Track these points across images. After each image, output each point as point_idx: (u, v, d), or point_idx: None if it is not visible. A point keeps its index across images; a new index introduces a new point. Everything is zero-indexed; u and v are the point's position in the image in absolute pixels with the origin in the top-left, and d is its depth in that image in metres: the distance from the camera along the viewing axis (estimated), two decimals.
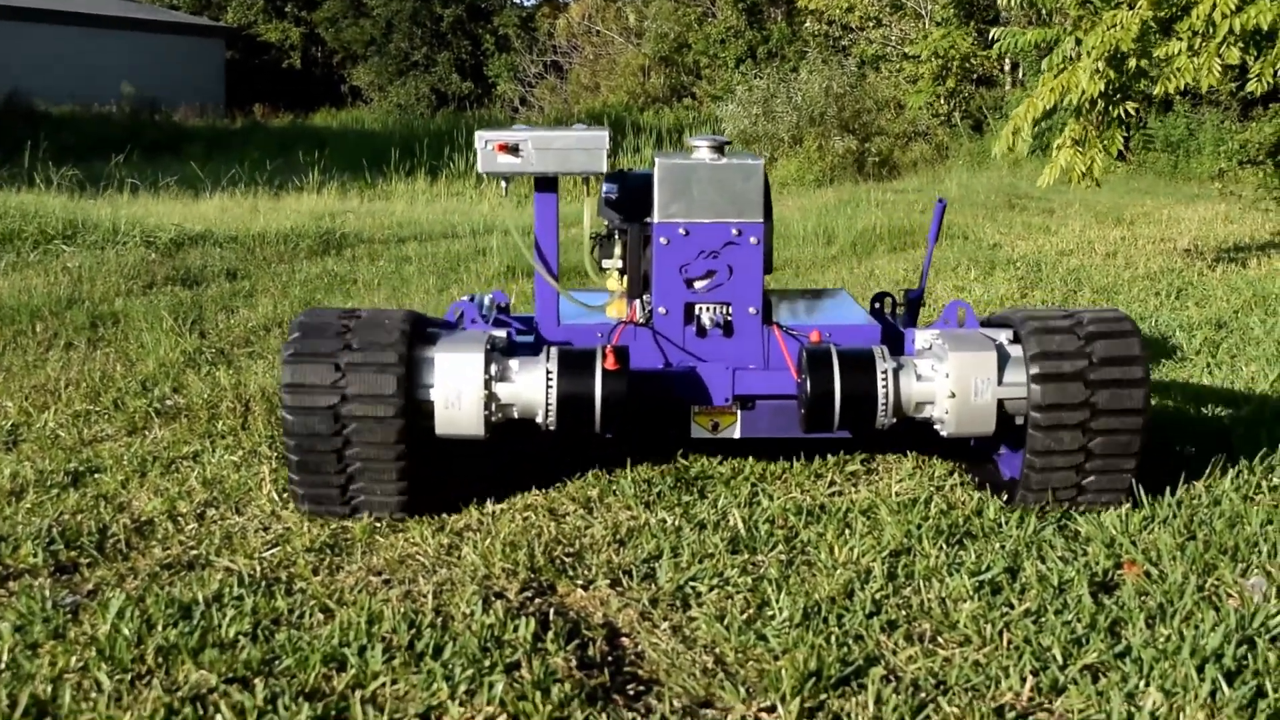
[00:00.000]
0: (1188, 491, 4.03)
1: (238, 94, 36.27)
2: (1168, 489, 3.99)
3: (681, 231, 4.08)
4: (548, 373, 3.78)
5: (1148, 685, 2.75)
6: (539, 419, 3.82)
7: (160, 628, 3.01)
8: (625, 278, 4.40)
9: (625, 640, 3.05)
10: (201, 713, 2.62)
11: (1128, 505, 3.88)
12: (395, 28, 37.86)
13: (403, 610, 3.13)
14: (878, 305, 4.80)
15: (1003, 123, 9.58)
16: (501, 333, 4.01)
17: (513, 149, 3.99)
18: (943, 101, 24.85)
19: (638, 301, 4.32)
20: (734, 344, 4.15)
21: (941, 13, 24.81)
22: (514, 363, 3.84)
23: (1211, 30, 7.89)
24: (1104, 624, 3.06)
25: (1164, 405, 5.28)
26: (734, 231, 4.09)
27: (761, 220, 4.11)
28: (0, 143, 13.57)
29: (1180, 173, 20.30)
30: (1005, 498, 3.96)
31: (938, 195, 4.89)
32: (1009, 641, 2.99)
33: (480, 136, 4.01)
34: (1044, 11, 11.66)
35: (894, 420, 3.82)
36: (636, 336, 4.16)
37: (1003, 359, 3.84)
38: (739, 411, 4.17)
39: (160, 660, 2.86)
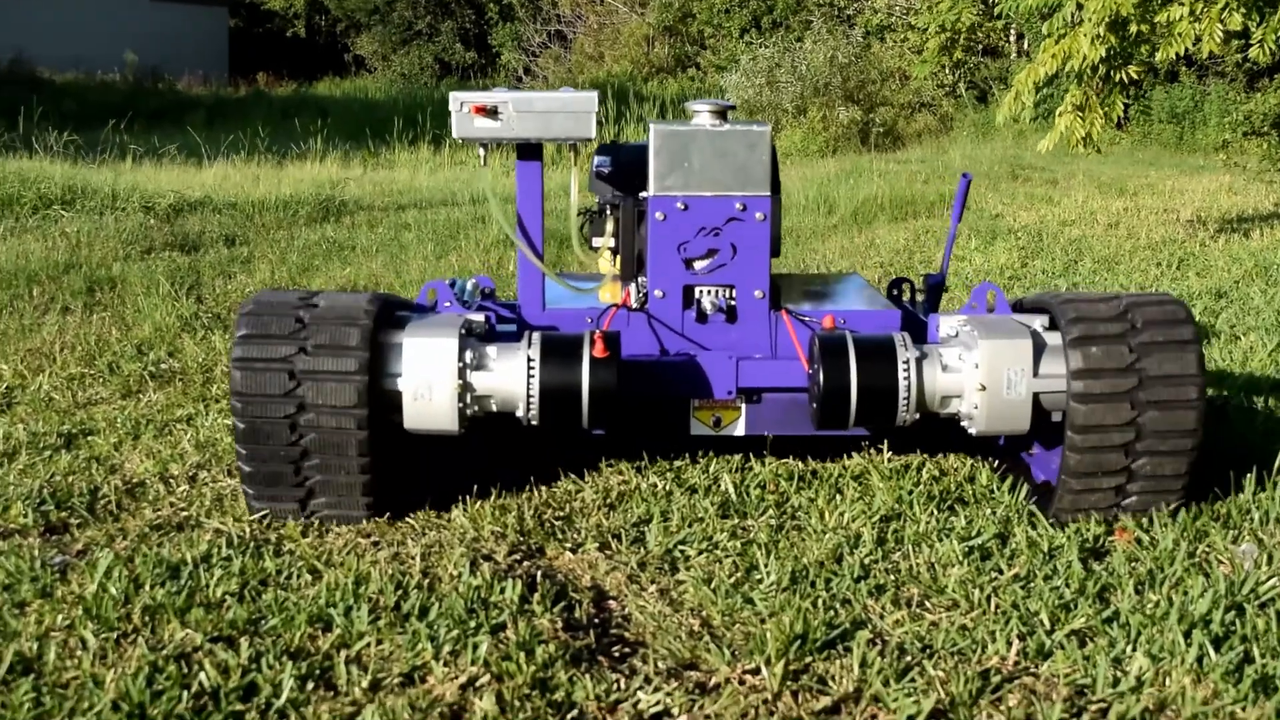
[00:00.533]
0: None
1: (241, 63, 36.12)
2: None
3: (679, 206, 3.75)
4: (529, 361, 3.43)
5: (1134, 650, 2.74)
6: (519, 413, 3.48)
7: (148, 587, 3.01)
8: (618, 258, 4.03)
9: (612, 603, 3.05)
10: (185, 670, 2.61)
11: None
12: None
13: (390, 572, 3.12)
14: (895, 292, 4.48)
15: (1007, 92, 9.53)
16: (479, 316, 3.64)
17: (491, 112, 3.61)
18: (948, 72, 24.74)
19: (632, 285, 3.99)
20: (738, 331, 3.83)
21: None
22: (492, 350, 3.49)
23: None
24: (1093, 590, 3.05)
25: None
26: (738, 206, 3.75)
27: (768, 193, 3.78)
28: (2, 109, 13.51)
29: (1186, 144, 20.24)
30: (1038, 505, 3.60)
31: (962, 172, 4.60)
32: (996, 606, 2.99)
33: (455, 98, 3.64)
34: None
35: (917, 416, 3.49)
36: (630, 322, 3.83)
37: (1038, 348, 3.46)
38: (743, 406, 3.82)
39: (146, 619, 2.86)
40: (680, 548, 3.34)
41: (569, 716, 2.49)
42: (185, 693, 2.52)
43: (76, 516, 3.56)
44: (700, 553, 3.31)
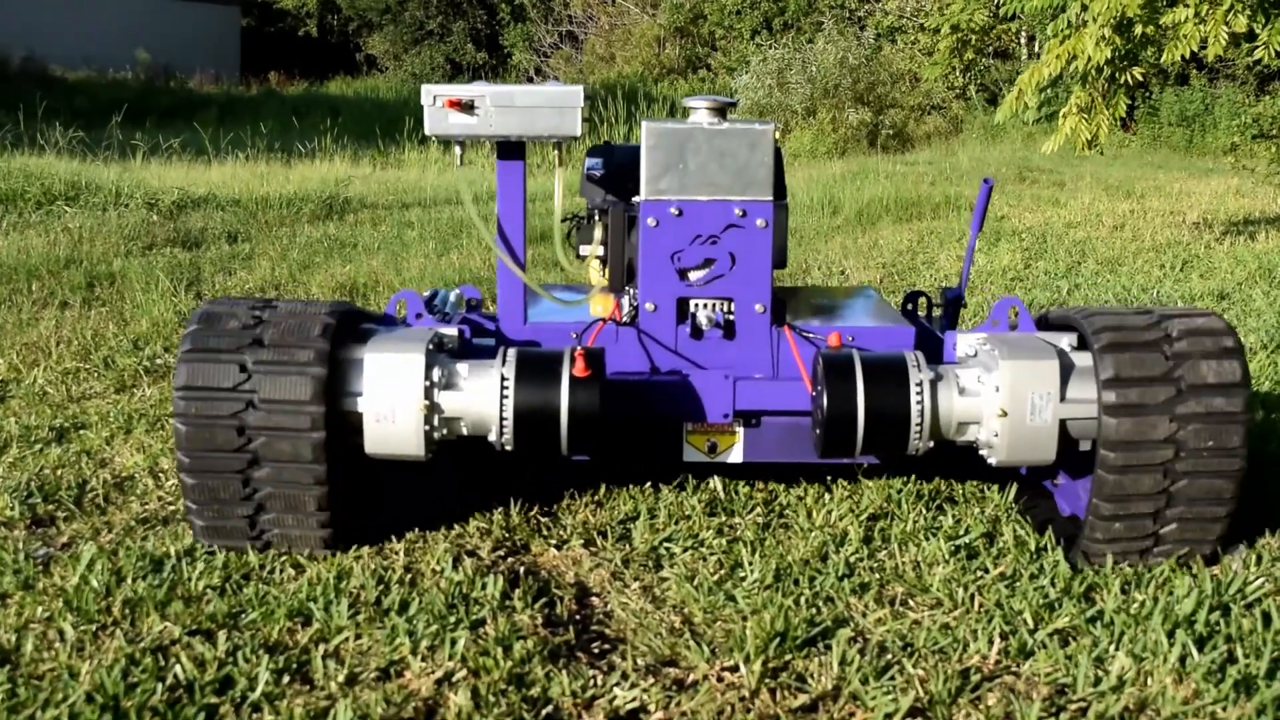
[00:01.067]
0: None
1: (253, 61, 36.17)
2: None
3: (673, 211, 3.46)
4: (503, 380, 3.14)
5: (1117, 649, 2.73)
6: (492, 437, 3.18)
7: (129, 580, 3.01)
8: (607, 267, 3.75)
9: (595, 599, 3.04)
10: (161, 663, 2.61)
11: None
12: None
13: (373, 566, 3.12)
14: (910, 306, 4.18)
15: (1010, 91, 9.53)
16: (451, 330, 3.36)
17: (467, 106, 3.33)
18: (959, 75, 24.70)
19: (609, 300, 3.69)
20: (736, 348, 3.54)
21: None
22: (462, 367, 3.21)
23: None
24: (1078, 589, 3.04)
25: None
26: (737, 212, 3.47)
27: (770, 199, 3.49)
28: (12, 106, 13.53)
29: (1195, 147, 20.19)
30: (1063, 544, 3.29)
31: (982, 177, 4.20)
32: (980, 605, 2.97)
33: (428, 91, 3.36)
34: None
35: (931, 444, 3.16)
36: (618, 337, 3.54)
37: (1066, 369, 3.15)
38: (741, 430, 3.53)
39: (126, 612, 2.85)
40: (666, 545, 3.33)
41: (544, 712, 2.47)
42: (160, 685, 2.51)
43: (63, 510, 3.55)
44: (685, 550, 3.30)
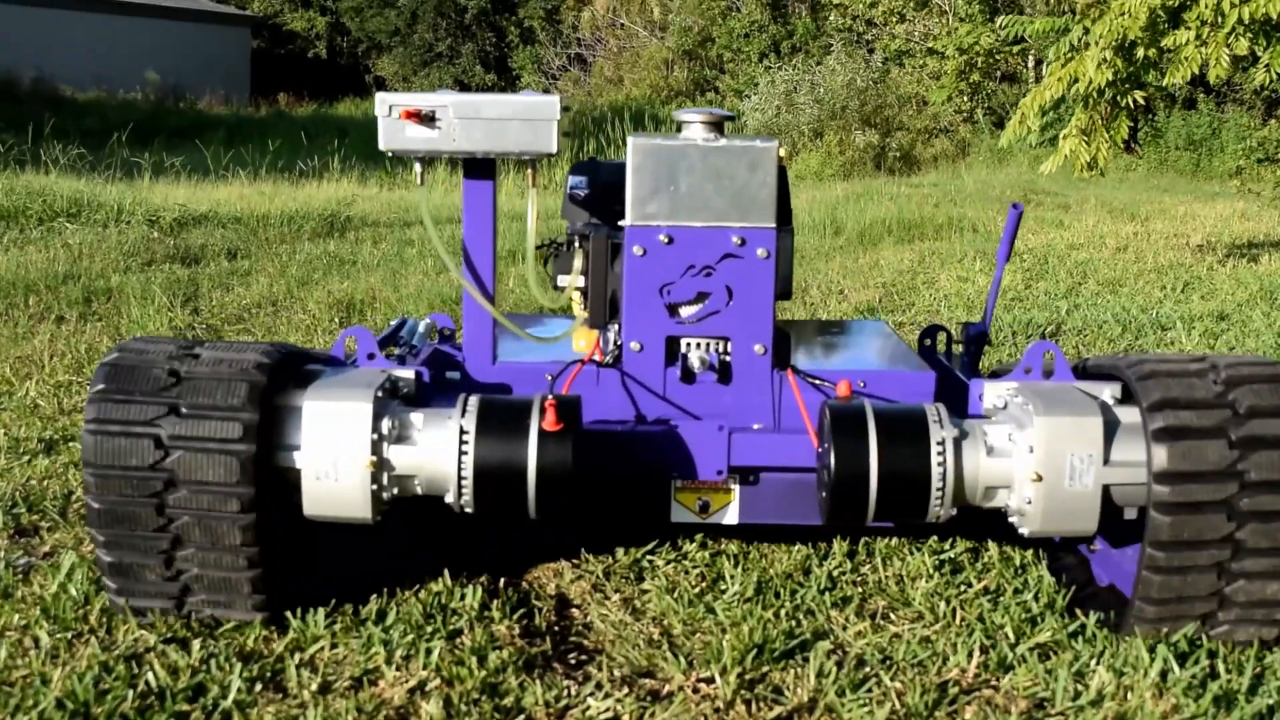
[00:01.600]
0: None
1: (263, 83, 36.35)
2: None
3: (662, 239, 3.10)
4: (462, 433, 2.76)
5: (1097, 664, 2.71)
6: (449, 498, 2.80)
7: None
8: (588, 300, 3.35)
9: (575, 611, 3.02)
10: (134, 670, 2.60)
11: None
12: (420, 18, 37.88)
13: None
14: (929, 342, 3.86)
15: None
16: (406, 373, 3.00)
17: (427, 118, 2.98)
18: (965, 98, 24.74)
19: (594, 337, 3.33)
20: (732, 394, 3.18)
21: (965, 9, 24.69)
22: (417, 417, 2.83)
23: (1220, 20, 7.81)
24: (1062, 604, 3.01)
25: None
26: (735, 240, 3.10)
27: (773, 225, 3.11)
28: (22, 125, 13.60)
29: (1202, 171, 20.18)
30: (1104, 618, 2.91)
31: (1012, 202, 3.85)
32: (962, 619, 2.95)
33: (382, 100, 2.99)
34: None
35: (953, 512, 2.80)
36: (599, 380, 3.19)
37: (1109, 427, 2.77)
38: (737, 488, 3.18)
39: (102, 620, 2.84)
40: (649, 558, 3.31)
41: None
42: (131, 692, 2.50)
43: (47, 520, 3.55)
44: (668, 563, 3.28)
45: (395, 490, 2.82)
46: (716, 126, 3.14)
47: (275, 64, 38.93)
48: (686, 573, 3.22)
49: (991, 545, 3.39)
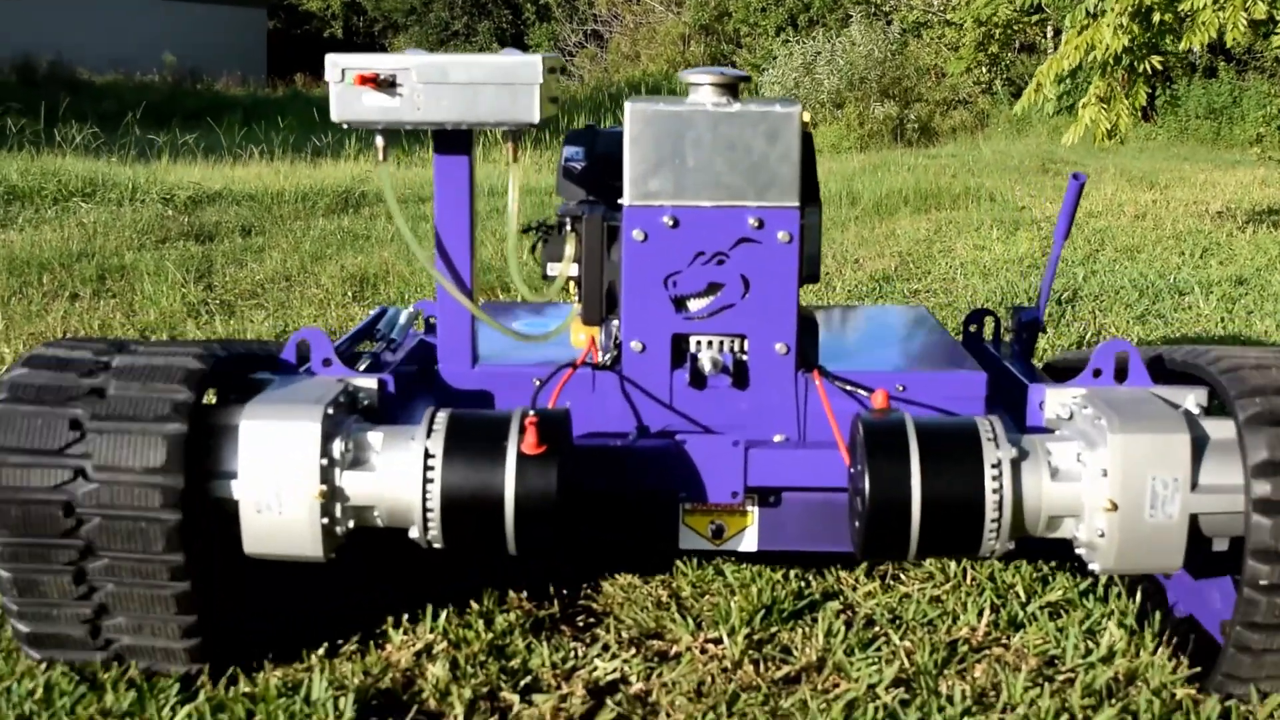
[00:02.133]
0: None
1: (279, 64, 36.31)
2: None
3: (667, 221, 2.68)
4: (427, 456, 2.37)
5: (1108, 621, 2.68)
6: (414, 532, 2.41)
7: None
8: (580, 292, 2.94)
9: (582, 574, 3.00)
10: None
11: None
12: None
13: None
14: (974, 328, 3.49)
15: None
16: (368, 382, 2.61)
17: (386, 84, 2.56)
18: (984, 69, 24.61)
19: (594, 333, 2.96)
20: (749, 401, 2.77)
21: None
22: (375, 437, 2.44)
23: None
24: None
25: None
26: (752, 222, 2.67)
27: (796, 204, 2.68)
28: (39, 108, 13.61)
29: (1223, 139, 20.04)
30: (1180, 657, 2.54)
31: (1073, 172, 3.38)
32: (972, 579, 2.93)
33: (333, 63, 2.57)
34: None
35: (1010, 546, 2.37)
36: (595, 387, 2.79)
37: (1198, 443, 2.34)
38: (755, 510, 2.77)
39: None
40: None
41: (522, 683, 2.45)
42: None
43: None
44: None
45: (351, 523, 2.43)
46: (729, 89, 2.69)
47: (292, 44, 38.89)
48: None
49: None
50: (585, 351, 2.86)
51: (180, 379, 2.32)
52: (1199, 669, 2.48)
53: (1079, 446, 2.41)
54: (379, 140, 2.68)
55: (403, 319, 3.32)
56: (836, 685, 2.46)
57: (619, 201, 2.72)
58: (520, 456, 2.35)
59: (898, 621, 2.72)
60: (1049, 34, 25.08)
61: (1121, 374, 2.65)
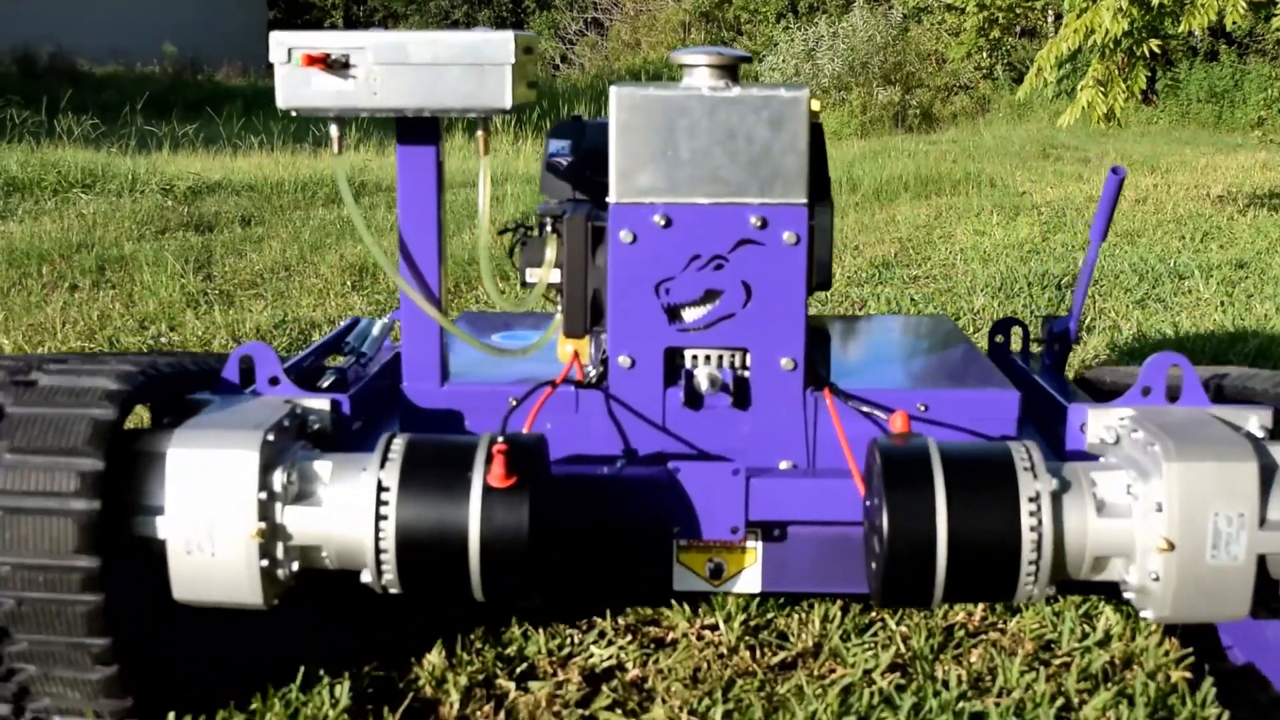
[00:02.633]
0: None
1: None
2: None
3: (658, 220, 2.44)
4: (380, 490, 2.13)
5: (1105, 605, 2.68)
6: (367, 576, 2.18)
7: None
8: (562, 299, 2.66)
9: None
10: None
11: None
12: None
13: None
14: (1000, 339, 3.26)
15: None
16: (319, 403, 2.37)
17: (338, 65, 2.30)
18: (985, 55, 24.59)
19: (584, 345, 2.72)
20: (752, 424, 2.53)
21: None
22: (322, 466, 2.20)
23: None
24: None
25: (1162, 333, 5.20)
26: (754, 221, 2.42)
27: (804, 201, 2.43)
28: (40, 100, 13.61)
29: (1224, 123, 20.03)
30: (1236, 708, 2.30)
31: (1112, 165, 3.04)
32: None
33: (279, 42, 2.31)
34: None
35: (1050, 590, 2.13)
36: (578, 408, 2.54)
37: (1266, 473, 2.07)
38: (759, 546, 2.54)
39: None
40: None
41: (519, 670, 2.45)
42: None
43: None
44: None
45: (295, 565, 2.18)
46: (728, 71, 2.43)
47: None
48: None
49: None
50: (567, 367, 2.59)
51: (100, 399, 2.06)
52: (1190, 649, 2.47)
53: (1129, 476, 2.14)
54: (333, 130, 2.43)
55: (375, 330, 3.08)
56: (833, 671, 2.46)
57: (606, 199, 2.49)
58: (487, 490, 2.10)
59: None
60: (1050, 19, 25.04)
61: (1174, 392, 2.38)
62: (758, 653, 2.52)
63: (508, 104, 2.32)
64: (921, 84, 22.43)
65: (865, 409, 2.48)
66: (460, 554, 2.10)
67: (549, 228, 2.62)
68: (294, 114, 2.35)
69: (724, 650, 2.53)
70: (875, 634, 2.59)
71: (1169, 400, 2.39)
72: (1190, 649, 2.49)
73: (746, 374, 2.52)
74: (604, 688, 2.39)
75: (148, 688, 2.18)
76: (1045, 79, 8.73)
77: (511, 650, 2.52)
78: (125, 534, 2.13)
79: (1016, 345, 3.35)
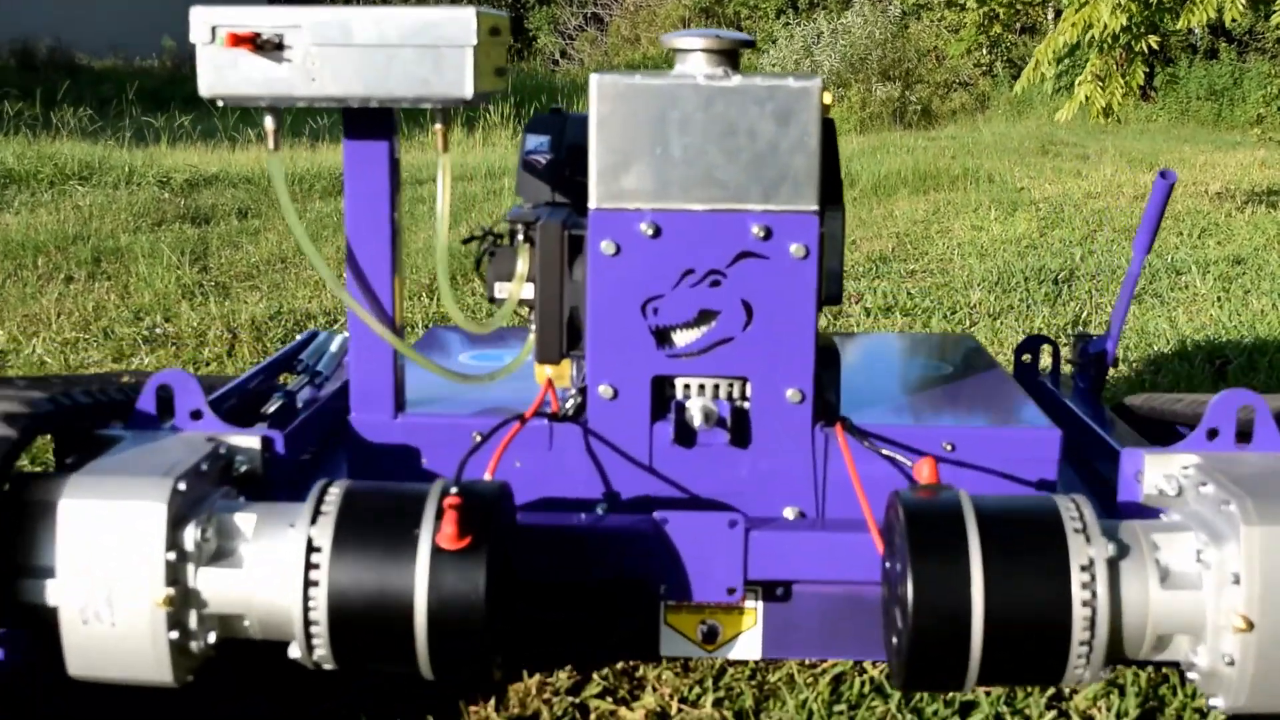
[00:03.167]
0: None
1: None
2: None
3: (645, 230, 2.12)
4: (311, 549, 1.80)
5: None
6: (296, 651, 1.85)
7: None
8: (535, 319, 2.30)
9: None
10: None
11: None
12: None
13: None
14: (1028, 359, 2.96)
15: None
16: (248, 441, 2.07)
17: (270, 46, 1.97)
18: (985, 52, 24.59)
19: (565, 369, 2.36)
20: (752, 465, 2.21)
21: None
22: (245, 520, 1.89)
23: None
24: None
25: (1160, 329, 5.20)
26: (756, 231, 2.10)
27: (814, 207, 2.10)
28: (36, 94, 13.60)
29: (1224, 121, 20.04)
30: None
31: (1161, 169, 2.63)
32: None
33: (201, 19, 1.98)
34: None
35: (1105, 674, 1.82)
36: (552, 445, 2.22)
37: None
38: (759, 606, 2.23)
39: None
40: None
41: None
42: None
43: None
44: None
45: (211, 637, 1.86)
46: (727, 57, 2.13)
47: None
48: None
49: None
50: (540, 398, 2.23)
51: None
52: None
53: (1198, 540, 1.83)
54: (268, 122, 2.08)
55: (335, 346, 2.76)
56: (823, 659, 2.45)
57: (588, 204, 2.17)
58: (436, 552, 1.78)
59: None
60: (1050, 15, 25.04)
61: (1244, 434, 2.08)
62: None
63: (469, 93, 1.96)
64: (921, 80, 22.43)
65: (884, 448, 2.15)
66: (404, 627, 1.78)
67: (520, 236, 2.30)
68: (220, 103, 2.04)
69: None
70: None
71: (1239, 443, 2.08)
72: None
73: (746, 406, 2.20)
74: (594, 675, 2.38)
75: None
76: (1043, 73, 8.72)
77: None
78: (10, 599, 1.81)
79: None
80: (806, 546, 2.14)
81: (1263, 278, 6.42)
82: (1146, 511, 2.02)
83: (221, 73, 1.99)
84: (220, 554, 1.85)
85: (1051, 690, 2.32)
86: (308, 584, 1.79)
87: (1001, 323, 5.39)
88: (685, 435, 2.18)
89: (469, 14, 1.95)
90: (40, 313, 5.45)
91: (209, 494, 1.92)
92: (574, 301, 2.26)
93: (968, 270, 6.66)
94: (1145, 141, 16.22)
